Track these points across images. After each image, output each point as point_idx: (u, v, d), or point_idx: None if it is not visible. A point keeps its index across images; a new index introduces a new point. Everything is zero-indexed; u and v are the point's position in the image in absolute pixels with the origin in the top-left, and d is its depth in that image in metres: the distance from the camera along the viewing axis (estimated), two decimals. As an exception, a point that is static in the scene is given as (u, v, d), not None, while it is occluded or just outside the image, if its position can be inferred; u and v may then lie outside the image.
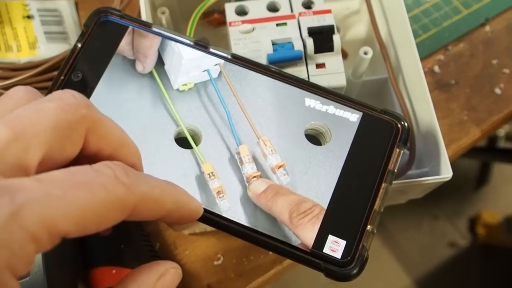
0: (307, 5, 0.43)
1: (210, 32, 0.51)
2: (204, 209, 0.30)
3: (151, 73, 0.34)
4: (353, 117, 0.33)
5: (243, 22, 0.41)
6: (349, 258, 0.29)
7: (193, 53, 0.34)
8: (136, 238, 0.44)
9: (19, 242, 0.17)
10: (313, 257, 0.29)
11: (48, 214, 0.17)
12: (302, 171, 0.32)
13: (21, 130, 0.19)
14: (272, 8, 0.43)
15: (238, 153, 0.32)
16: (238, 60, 0.34)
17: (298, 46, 0.40)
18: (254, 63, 0.34)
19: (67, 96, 0.21)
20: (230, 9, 0.42)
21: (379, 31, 0.46)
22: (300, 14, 0.41)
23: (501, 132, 1.38)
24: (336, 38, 0.40)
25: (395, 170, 0.32)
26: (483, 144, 1.38)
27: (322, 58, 0.40)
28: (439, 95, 0.53)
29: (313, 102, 0.34)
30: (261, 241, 0.30)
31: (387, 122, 0.33)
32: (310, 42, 0.40)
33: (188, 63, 0.34)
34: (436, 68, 0.55)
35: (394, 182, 0.37)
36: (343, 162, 0.32)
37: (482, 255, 1.33)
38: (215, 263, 0.46)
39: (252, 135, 0.33)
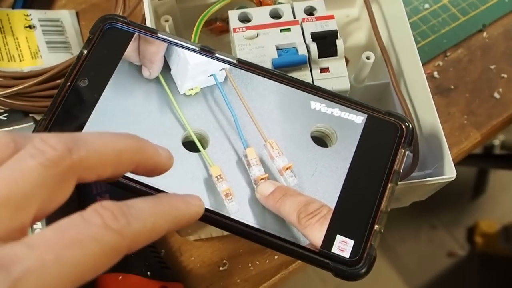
0: (309, 12, 0.44)
1: (212, 40, 0.51)
2: (213, 211, 0.31)
3: (157, 78, 0.35)
4: (358, 119, 0.33)
5: (247, 28, 0.41)
6: (357, 257, 0.29)
7: (199, 58, 0.35)
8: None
9: None
10: (322, 257, 0.30)
11: (44, 281, 0.17)
12: (309, 173, 0.32)
13: (8, 195, 0.19)
14: (275, 15, 0.43)
15: (246, 156, 0.33)
16: (244, 65, 0.35)
17: (302, 51, 0.40)
18: (259, 68, 0.35)
19: (47, 149, 0.20)
20: (233, 16, 0.43)
21: (380, 36, 0.47)
22: (303, 20, 0.42)
23: (497, 141, 1.39)
24: (340, 42, 0.41)
25: (401, 171, 0.32)
26: (479, 152, 1.39)
27: (326, 62, 0.41)
28: (439, 100, 0.54)
29: (318, 105, 0.34)
30: (270, 242, 0.30)
31: (391, 124, 0.33)
32: (314, 47, 0.40)
33: (194, 68, 0.34)
34: (436, 74, 0.56)
35: (400, 182, 0.38)
36: (349, 163, 0.32)
37: (481, 264, 1.33)
38: (221, 268, 0.46)
39: (259, 138, 0.33)
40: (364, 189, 0.31)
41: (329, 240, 0.30)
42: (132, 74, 0.35)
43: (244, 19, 0.43)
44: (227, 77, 0.35)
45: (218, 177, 0.32)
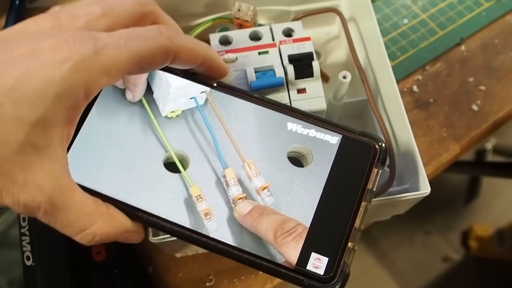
0: (288, 33, 0.45)
1: (196, 61, 0.52)
2: (193, 230, 0.32)
3: (140, 101, 0.36)
4: (333, 139, 0.35)
5: (227, 51, 0.43)
6: (331, 274, 0.30)
7: (181, 82, 0.35)
8: (129, 262, 0.46)
9: (97, 71, 0.26)
10: (297, 274, 0.31)
11: (117, 54, 0.26)
12: (285, 192, 0.33)
13: (108, 10, 0.29)
14: (255, 36, 0.45)
15: (224, 176, 0.34)
16: (223, 88, 0.36)
17: (279, 73, 0.41)
18: (238, 90, 0.36)
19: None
20: (214, 39, 0.44)
21: (357, 55, 0.48)
22: (280, 42, 0.43)
23: (489, 145, 1.40)
24: (315, 64, 0.42)
25: (374, 189, 0.33)
26: (471, 158, 1.40)
27: (302, 83, 0.42)
28: (419, 113, 0.55)
29: (294, 126, 0.35)
30: (247, 260, 0.31)
31: (365, 144, 0.34)
32: (290, 69, 0.41)
33: (176, 91, 0.35)
34: (415, 88, 0.57)
35: (376, 199, 0.39)
36: (324, 182, 0.33)
37: (476, 268, 1.34)
38: (207, 284, 0.47)
39: (237, 158, 0.34)
40: (339, 207, 0.32)
41: (304, 257, 0.31)
42: (116, 97, 0.36)
43: (225, 41, 0.45)
44: (207, 100, 0.36)
45: (198, 197, 0.33)
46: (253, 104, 0.36)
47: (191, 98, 0.36)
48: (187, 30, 0.48)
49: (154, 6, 0.32)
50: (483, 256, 1.34)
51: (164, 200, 0.33)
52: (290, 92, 0.42)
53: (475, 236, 1.34)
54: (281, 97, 0.41)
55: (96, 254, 0.43)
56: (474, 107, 0.56)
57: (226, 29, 0.50)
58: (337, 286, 0.30)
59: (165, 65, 0.30)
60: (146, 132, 0.35)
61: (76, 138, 0.34)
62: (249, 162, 0.34)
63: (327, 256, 0.31)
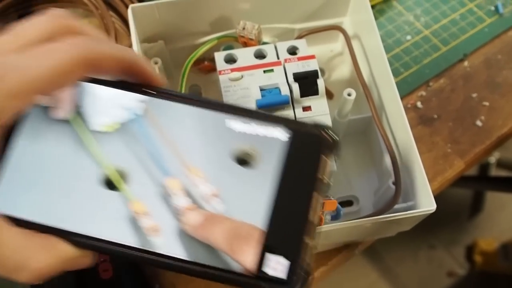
0: (292, 51, 0.45)
1: (201, 79, 0.53)
2: (140, 249, 0.30)
3: (71, 117, 0.32)
4: (278, 134, 0.32)
5: (232, 70, 0.43)
6: (292, 275, 0.29)
7: (112, 92, 0.33)
8: (136, 279, 0.46)
9: (3, 97, 0.25)
10: (257, 280, 0.29)
11: (24, 76, 0.25)
12: (235, 196, 0.31)
13: (17, 34, 0.28)
14: (259, 55, 0.45)
15: (169, 187, 0.31)
16: (162, 94, 0.33)
17: (284, 91, 0.42)
18: (178, 95, 0.33)
19: (57, 12, 0.30)
20: (219, 58, 0.45)
21: (361, 72, 0.48)
22: (285, 60, 0.44)
23: (492, 159, 1.40)
24: (320, 82, 0.42)
25: (325, 178, 0.31)
26: (474, 173, 1.40)
27: (308, 101, 0.42)
28: (423, 129, 0.56)
29: (238, 125, 0.32)
30: (203, 273, 0.29)
31: (311, 133, 0.32)
32: (296, 87, 0.42)
33: (107, 103, 0.33)
34: (419, 104, 0.57)
35: (381, 216, 0.39)
36: (275, 180, 0.31)
37: (481, 283, 1.34)
38: (214, 301, 0.47)
39: (182, 167, 0.32)
40: (292, 204, 0.30)
41: (262, 261, 0.29)
42: (43, 116, 0.32)
43: (230, 59, 0.45)
44: (145, 109, 0.32)
45: (142, 213, 0.30)
46: (195, 108, 0.33)
47: (127, 109, 0.33)
48: (192, 48, 0.48)
49: (67, 20, 0.30)
50: (488, 271, 1.33)
51: (105, 221, 0.30)
52: (296, 110, 0.42)
53: (479, 250, 1.34)
54: (286, 115, 0.41)
55: (103, 272, 0.43)
56: (478, 123, 0.56)
57: (231, 48, 0.50)
58: (298, 286, 0.28)
59: (87, 76, 0.28)
60: (79, 150, 0.32)
61: (3, 166, 0.31)
62: (195, 169, 0.32)
63: (285, 257, 0.29)
